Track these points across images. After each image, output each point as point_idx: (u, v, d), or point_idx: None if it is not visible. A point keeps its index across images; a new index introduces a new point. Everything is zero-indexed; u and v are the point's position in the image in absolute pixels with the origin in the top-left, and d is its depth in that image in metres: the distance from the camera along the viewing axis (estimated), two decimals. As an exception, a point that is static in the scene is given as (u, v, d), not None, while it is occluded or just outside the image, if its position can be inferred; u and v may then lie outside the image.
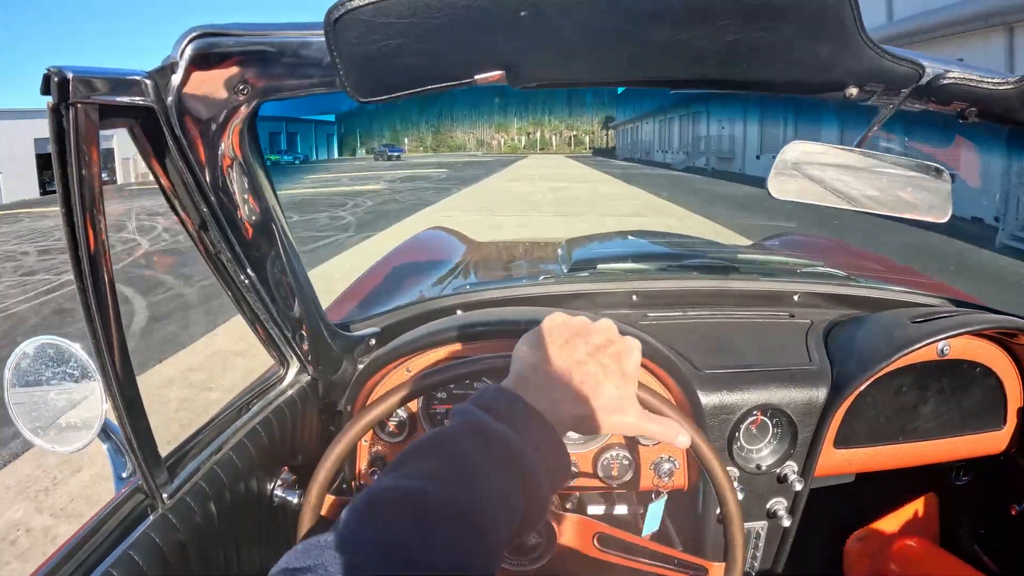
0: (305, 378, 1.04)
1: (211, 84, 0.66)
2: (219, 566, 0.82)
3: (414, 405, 1.09)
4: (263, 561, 0.91)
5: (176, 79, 0.65)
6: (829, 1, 0.62)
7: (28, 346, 0.86)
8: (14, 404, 0.86)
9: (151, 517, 0.74)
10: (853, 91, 0.76)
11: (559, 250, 1.87)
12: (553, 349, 0.64)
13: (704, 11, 0.62)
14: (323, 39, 0.58)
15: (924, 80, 0.74)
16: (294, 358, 1.02)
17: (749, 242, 3.02)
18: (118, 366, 0.69)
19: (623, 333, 0.69)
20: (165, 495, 0.76)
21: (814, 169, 0.86)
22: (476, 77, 0.64)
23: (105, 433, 0.85)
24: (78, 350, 0.83)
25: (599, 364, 0.64)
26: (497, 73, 0.64)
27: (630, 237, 2.25)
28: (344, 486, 1.08)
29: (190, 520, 0.77)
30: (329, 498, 0.87)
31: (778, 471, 1.09)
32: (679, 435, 0.69)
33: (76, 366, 0.84)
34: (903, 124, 0.87)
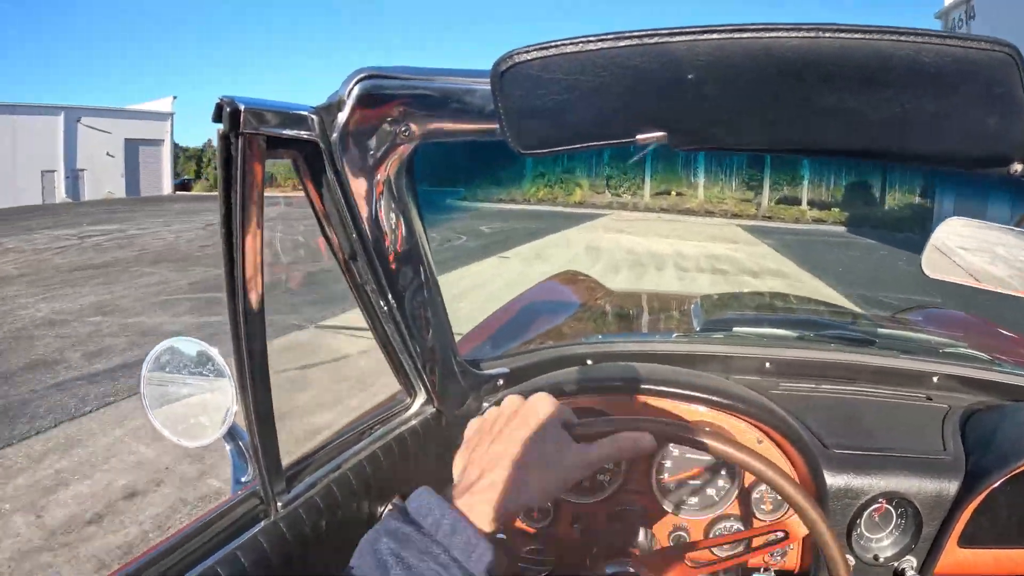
0: (430, 410, 1.05)
1: (374, 123, 0.69)
2: None
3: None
4: None
5: (342, 116, 0.68)
6: (997, 70, 0.58)
7: (171, 343, 0.93)
8: (147, 392, 0.93)
9: (263, 523, 0.77)
10: (1019, 167, 0.71)
11: (693, 305, 1.85)
12: (469, 455, 0.66)
13: (876, 78, 0.59)
14: (486, 87, 0.59)
15: None
16: (422, 389, 1.03)
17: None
18: (256, 377, 0.72)
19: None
20: (279, 504, 0.78)
21: (969, 248, 0.80)
22: (638, 137, 0.63)
23: (231, 435, 0.90)
24: (216, 354, 0.89)
25: (505, 440, 0.64)
26: (660, 134, 0.63)
27: (768, 299, 2.18)
28: None
29: (300, 531, 0.79)
30: None
31: (896, 564, 1.01)
32: (638, 441, 0.67)
33: (212, 368, 0.89)
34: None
